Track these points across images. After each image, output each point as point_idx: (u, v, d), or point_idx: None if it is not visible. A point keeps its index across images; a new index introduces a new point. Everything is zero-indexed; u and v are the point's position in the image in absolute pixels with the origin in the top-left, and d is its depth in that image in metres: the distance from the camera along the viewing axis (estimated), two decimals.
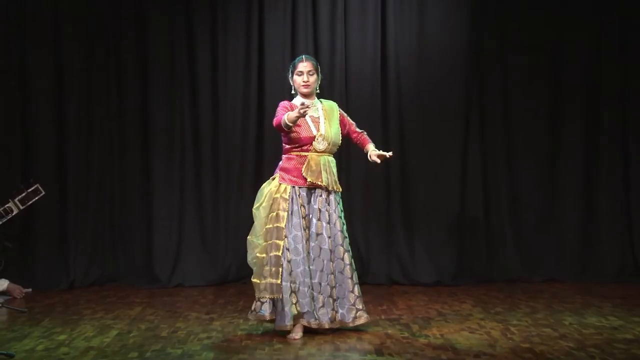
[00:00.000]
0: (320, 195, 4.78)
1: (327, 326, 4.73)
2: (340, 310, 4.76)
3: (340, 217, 4.84)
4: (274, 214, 4.74)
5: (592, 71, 7.04)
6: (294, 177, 4.77)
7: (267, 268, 4.72)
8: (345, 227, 4.85)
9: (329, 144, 4.81)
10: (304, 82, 4.83)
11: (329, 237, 4.75)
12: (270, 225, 4.74)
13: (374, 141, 6.72)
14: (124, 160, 6.95)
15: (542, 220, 7.03)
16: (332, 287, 4.74)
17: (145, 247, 6.89)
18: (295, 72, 4.86)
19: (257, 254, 4.79)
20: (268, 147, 6.80)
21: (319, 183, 4.74)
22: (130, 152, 6.94)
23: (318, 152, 4.79)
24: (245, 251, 6.84)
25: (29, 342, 4.68)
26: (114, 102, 6.93)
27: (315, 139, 4.78)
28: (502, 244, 6.99)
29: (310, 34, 6.91)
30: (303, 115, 4.59)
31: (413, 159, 6.94)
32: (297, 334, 4.71)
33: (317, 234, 4.75)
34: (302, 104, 4.74)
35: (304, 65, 4.83)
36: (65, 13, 6.81)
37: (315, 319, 4.72)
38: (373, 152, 4.87)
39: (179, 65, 6.91)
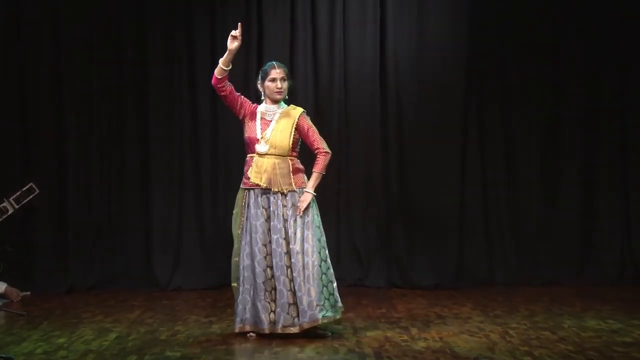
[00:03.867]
0: (275, 197, 4.83)
1: (280, 331, 4.75)
2: (307, 312, 4.72)
3: (304, 216, 4.81)
4: (239, 219, 4.93)
5: (592, 74, 7.03)
6: (246, 179, 4.92)
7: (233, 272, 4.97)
8: (313, 225, 4.83)
9: (272, 147, 4.85)
10: (277, 88, 4.91)
11: (284, 239, 4.79)
12: (238, 231, 4.93)
13: (373, 145, 6.87)
14: (123, 164, 6.93)
15: (542, 223, 7.02)
16: (287, 290, 4.77)
17: (144, 250, 6.88)
18: (268, 78, 4.92)
19: (232, 259, 4.99)
20: None
21: (260, 184, 4.83)
22: (129, 157, 6.93)
23: (260, 154, 4.85)
24: None
25: (27, 345, 4.67)
26: (114, 106, 6.93)
27: (258, 142, 4.87)
28: (502, 247, 6.99)
29: (309, 35, 6.92)
30: (231, 48, 4.77)
31: (412, 161, 6.94)
32: (252, 334, 4.83)
33: (274, 237, 4.80)
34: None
35: (277, 72, 4.91)
36: (65, 12, 6.80)
37: (268, 323, 4.76)
38: (301, 199, 4.83)
39: (178, 67, 6.91)
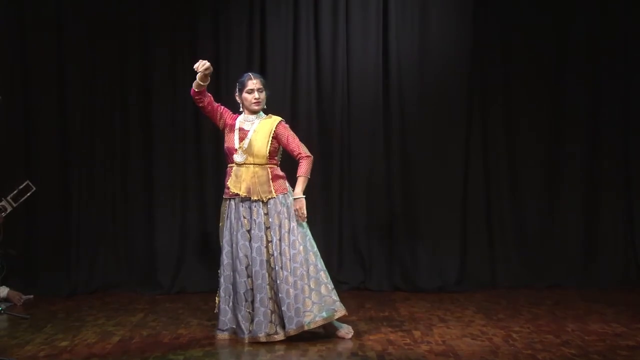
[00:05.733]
0: (255, 206, 4.86)
1: (263, 340, 4.76)
2: (293, 319, 4.75)
3: (289, 222, 4.84)
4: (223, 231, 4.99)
5: (595, 73, 7.01)
6: (226, 189, 4.96)
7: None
8: (299, 230, 4.85)
9: (249, 156, 4.89)
10: (255, 99, 4.95)
11: (265, 247, 4.82)
12: (222, 242, 4.98)
13: (375, 147, 6.86)
14: (126, 167, 6.94)
15: (545, 226, 7.00)
16: (269, 299, 4.80)
17: (147, 253, 6.88)
18: (245, 90, 4.97)
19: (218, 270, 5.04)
20: None
21: (240, 193, 4.87)
22: (133, 159, 6.93)
23: (239, 164, 4.89)
24: None
25: (30, 349, 4.68)
26: (117, 110, 6.92)
27: (236, 152, 4.92)
28: (505, 250, 6.97)
29: (312, 38, 6.92)
30: (203, 73, 4.77)
31: (415, 165, 6.93)
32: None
33: (255, 245, 4.83)
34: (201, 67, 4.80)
35: (254, 83, 4.96)
36: (68, 13, 6.81)
37: (247, 333, 4.79)
38: (297, 206, 4.86)
39: (181, 71, 6.89)
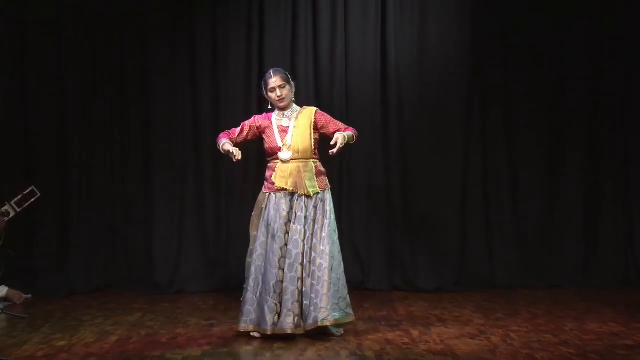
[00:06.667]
0: (298, 200, 4.89)
1: (289, 331, 4.77)
2: (311, 314, 4.76)
3: (323, 218, 4.89)
4: (257, 221, 5.00)
5: (595, 74, 7.00)
6: (269, 184, 4.98)
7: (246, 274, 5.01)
8: (330, 228, 4.89)
9: (295, 153, 4.93)
10: (278, 97, 4.98)
11: (302, 240, 4.84)
12: (254, 233, 4.99)
13: (374, 148, 6.86)
14: (125, 168, 6.94)
15: (544, 226, 7.00)
16: (299, 292, 4.80)
17: (145, 253, 6.88)
18: (268, 89, 5.00)
19: (247, 259, 5.04)
20: None
21: (287, 188, 4.89)
22: (132, 160, 6.93)
23: (284, 161, 4.92)
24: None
25: (28, 349, 4.67)
26: (116, 111, 6.93)
27: (281, 150, 4.94)
28: (504, 250, 6.97)
29: (310, 39, 6.92)
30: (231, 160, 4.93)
31: (414, 165, 6.93)
32: (256, 334, 4.86)
33: (293, 238, 4.85)
34: (230, 152, 4.90)
35: (274, 81, 4.97)
36: (68, 16, 6.82)
37: (271, 324, 4.78)
38: (339, 141, 4.83)
39: (181, 71, 6.92)
